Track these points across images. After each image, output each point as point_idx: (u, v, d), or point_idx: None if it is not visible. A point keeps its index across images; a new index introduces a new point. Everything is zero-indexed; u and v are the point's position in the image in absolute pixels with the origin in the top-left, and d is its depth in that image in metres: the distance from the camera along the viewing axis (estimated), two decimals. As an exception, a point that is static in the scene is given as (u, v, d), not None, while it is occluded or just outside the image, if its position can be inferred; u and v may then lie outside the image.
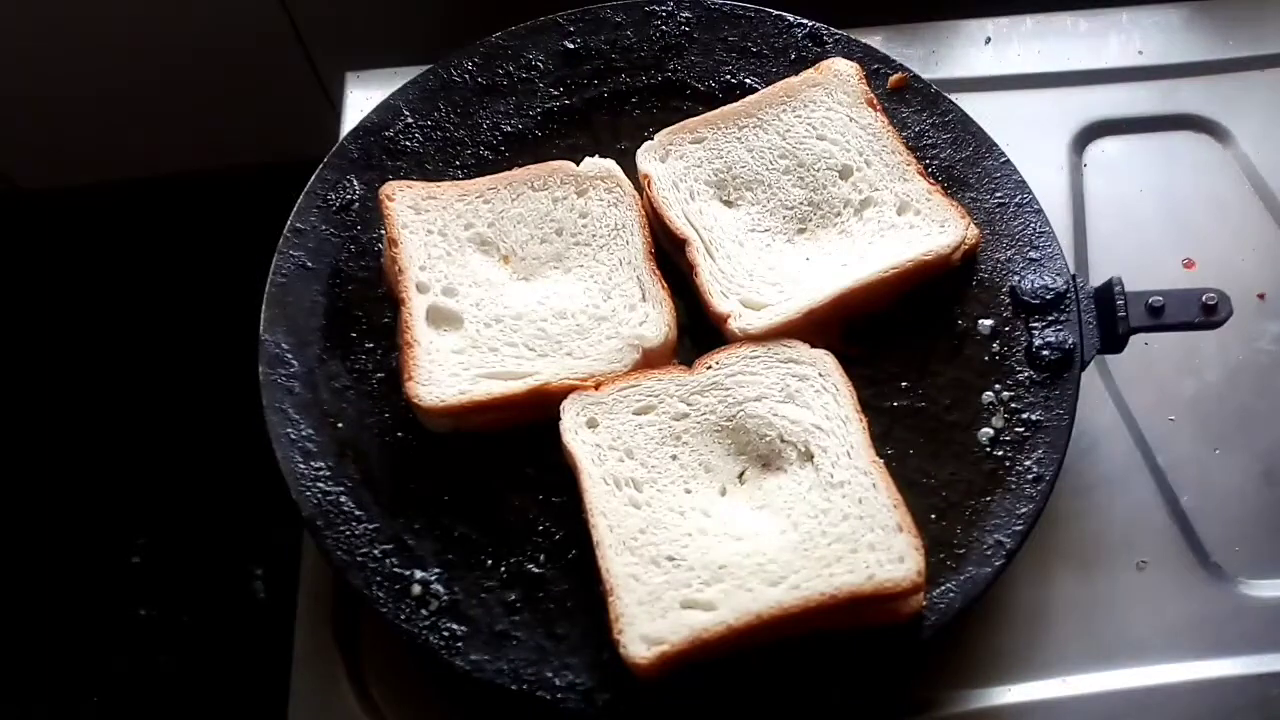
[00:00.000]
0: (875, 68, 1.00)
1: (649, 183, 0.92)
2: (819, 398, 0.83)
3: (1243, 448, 0.97)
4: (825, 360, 0.84)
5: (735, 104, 0.96)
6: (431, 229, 0.89)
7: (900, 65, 1.01)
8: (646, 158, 0.93)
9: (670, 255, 0.92)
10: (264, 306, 0.89)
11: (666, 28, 1.03)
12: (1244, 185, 1.09)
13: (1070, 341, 0.87)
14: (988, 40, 1.17)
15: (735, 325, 0.86)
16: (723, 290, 0.88)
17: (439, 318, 0.86)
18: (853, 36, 1.02)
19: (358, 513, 0.82)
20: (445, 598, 0.79)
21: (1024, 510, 0.81)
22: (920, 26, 1.17)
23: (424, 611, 0.78)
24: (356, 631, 0.89)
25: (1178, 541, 0.93)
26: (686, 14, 1.03)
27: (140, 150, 1.64)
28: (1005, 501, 0.82)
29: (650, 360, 0.86)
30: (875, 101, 0.96)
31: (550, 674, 0.76)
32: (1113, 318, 0.86)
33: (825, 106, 0.95)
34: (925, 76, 1.00)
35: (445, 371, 0.83)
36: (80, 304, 1.79)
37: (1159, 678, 0.87)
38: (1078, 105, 1.12)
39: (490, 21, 1.04)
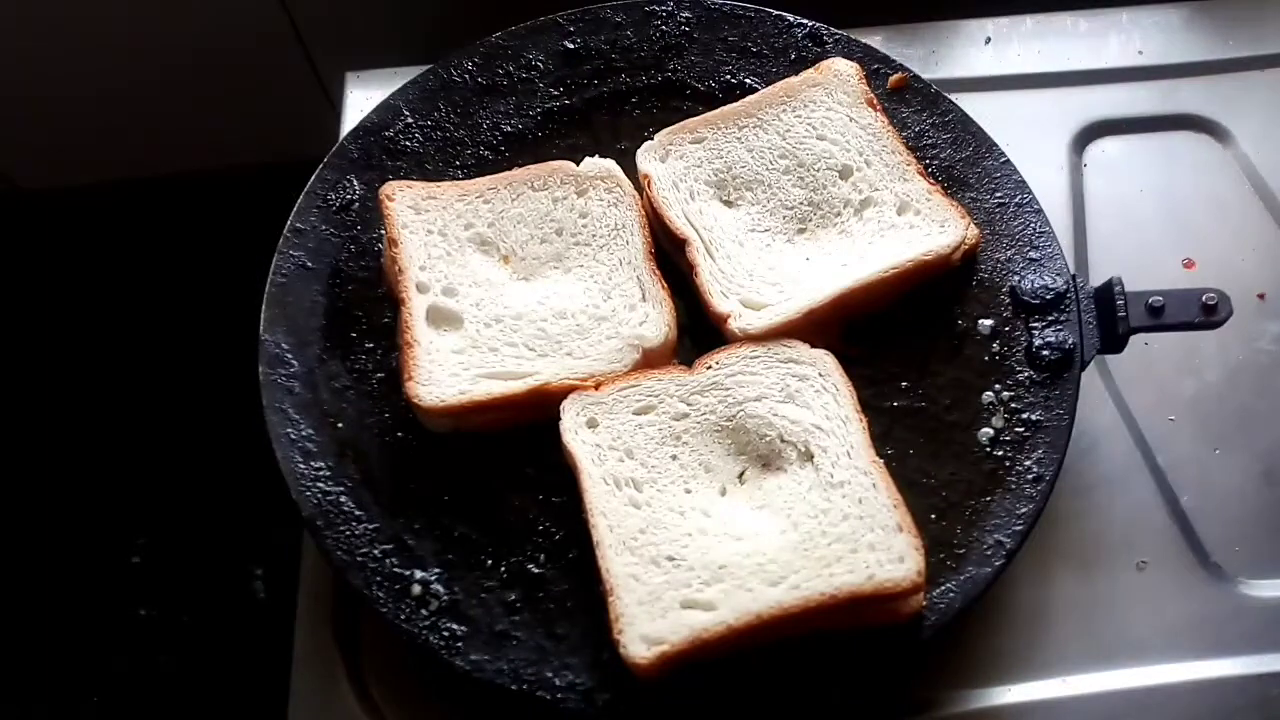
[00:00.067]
0: (875, 68, 1.00)
1: (649, 183, 0.92)
2: (819, 398, 0.83)
3: (1243, 448, 0.97)
4: (825, 360, 0.84)
5: (735, 104, 0.96)
6: (431, 229, 0.89)
7: (900, 65, 1.01)
8: (646, 158, 0.93)
9: (670, 255, 0.92)
10: (264, 306, 0.89)
11: (666, 28, 1.03)
12: (1244, 185, 1.09)
13: (1070, 341, 0.87)
14: (988, 40, 1.17)
15: (735, 325, 0.86)
16: (723, 290, 0.88)
17: (439, 318, 0.86)
18: (853, 36, 1.02)
19: (358, 513, 0.82)
20: (445, 598, 0.79)
21: (1024, 510, 0.81)
22: (920, 26, 1.17)
23: (424, 611, 0.78)
24: (356, 631, 0.89)
25: (1178, 541, 0.93)
26: (686, 14, 1.03)
27: (140, 150, 1.64)
28: (1005, 501, 0.82)
29: (650, 360, 0.86)
30: (875, 101, 0.96)
31: (550, 674, 0.76)
32: (1113, 318, 0.86)
33: (825, 106, 0.95)
34: (925, 76, 1.00)
35: (445, 371, 0.83)
36: (80, 304, 1.79)
37: (1159, 678, 0.87)
38: (1078, 105, 1.12)
39: (490, 21, 1.04)
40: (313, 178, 0.95)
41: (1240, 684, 0.87)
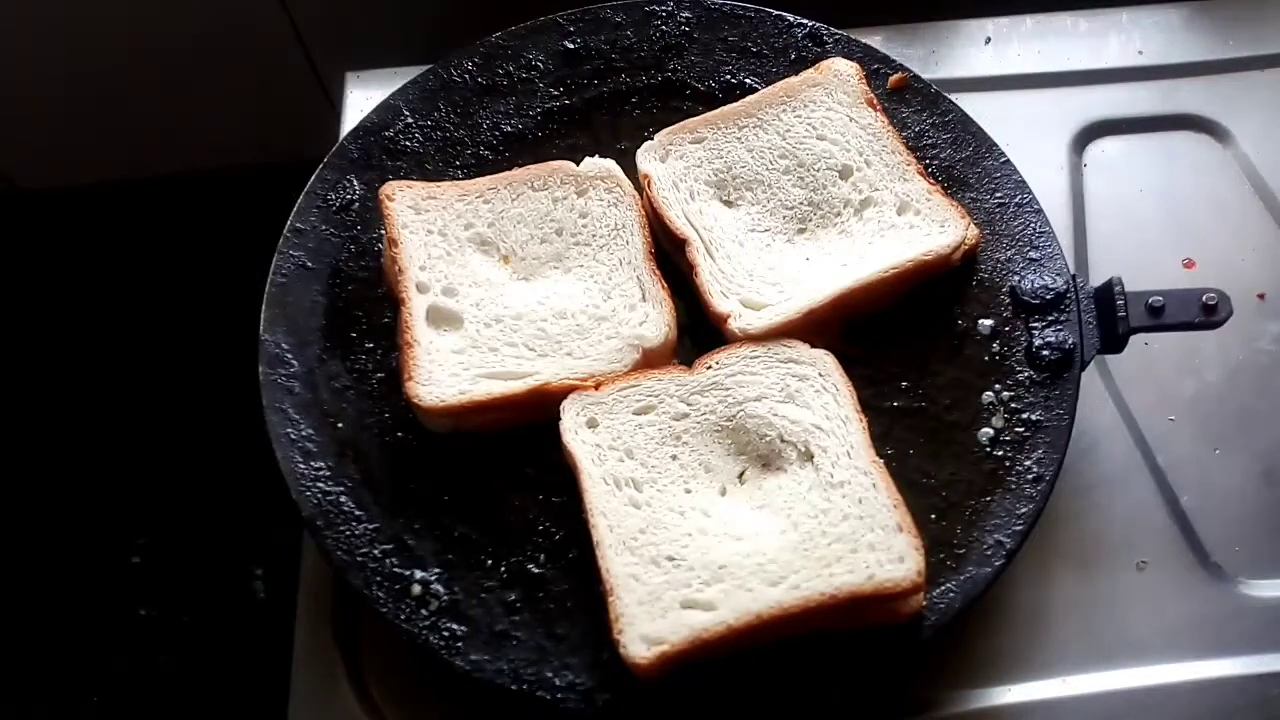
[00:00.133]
0: (875, 68, 1.00)
1: (649, 183, 0.92)
2: (819, 398, 0.83)
3: (1243, 448, 0.97)
4: (825, 360, 0.84)
5: (735, 104, 0.96)
6: (431, 229, 0.89)
7: (900, 65, 1.01)
8: (646, 158, 0.93)
9: (670, 255, 0.92)
10: (264, 306, 0.89)
11: (666, 28, 1.03)
12: (1244, 185, 1.09)
13: (1070, 341, 0.87)
14: (988, 40, 1.17)
15: (735, 325, 0.86)
16: (723, 290, 0.88)
17: (439, 318, 0.86)
18: (853, 36, 1.02)
19: (358, 513, 0.82)
20: (445, 598, 0.79)
21: (1024, 510, 0.81)
22: (920, 26, 1.17)
23: (424, 611, 0.78)
24: (356, 631, 0.89)
25: (1178, 541, 0.93)
26: (686, 14, 1.03)
27: (140, 150, 1.64)
28: (1005, 501, 0.82)
29: (650, 360, 0.86)
30: (875, 101, 0.96)
31: (550, 674, 0.76)
32: (1113, 318, 0.86)
33: (825, 106, 0.95)
34: (925, 76, 1.00)
35: (445, 371, 0.83)
36: (80, 304, 1.79)
37: (1159, 678, 0.87)
38: (1078, 105, 1.12)
39: (490, 21, 1.04)
40: (313, 178, 0.95)
41: (1240, 684, 0.87)
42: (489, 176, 0.93)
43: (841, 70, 0.97)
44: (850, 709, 0.78)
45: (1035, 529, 0.81)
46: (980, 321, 0.89)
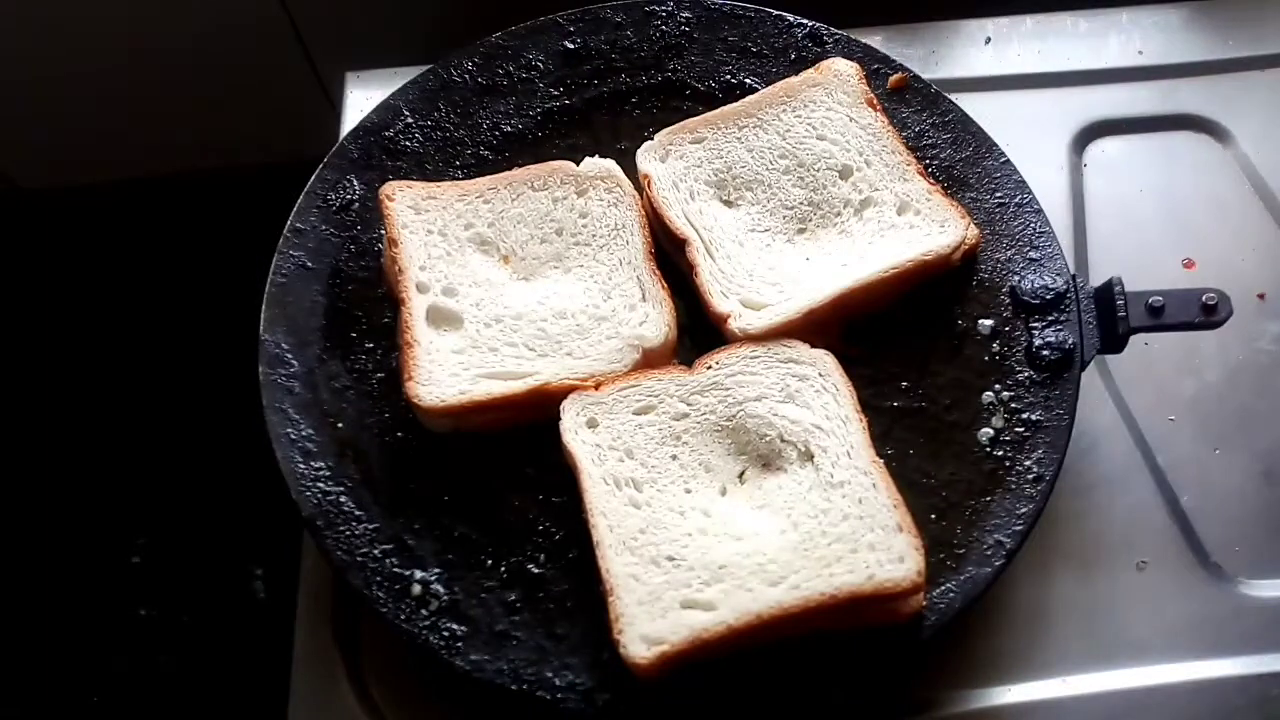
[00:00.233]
0: (875, 68, 1.00)
1: (649, 183, 0.92)
2: (819, 398, 0.83)
3: (1243, 448, 0.97)
4: (825, 360, 0.84)
5: (735, 104, 0.96)
6: (431, 229, 0.89)
7: (900, 65, 1.01)
8: (646, 158, 0.93)
9: (670, 255, 0.92)
10: (264, 306, 0.89)
11: (666, 28, 1.03)
12: (1244, 185, 1.09)
13: (1070, 341, 0.87)
14: (988, 40, 1.17)
15: (735, 325, 0.86)
16: (723, 290, 0.88)
17: (439, 318, 0.86)
18: (853, 36, 1.02)
19: (358, 513, 0.82)
20: (445, 598, 0.79)
21: (1024, 510, 0.81)
22: (920, 26, 1.17)
23: (424, 611, 0.78)
24: (356, 631, 0.89)
25: (1178, 541, 0.93)
26: (686, 14, 1.03)
27: (140, 150, 1.64)
28: (1005, 501, 0.82)
29: (650, 360, 0.86)
30: (875, 101, 0.96)
31: (550, 674, 0.76)
32: (1113, 318, 0.86)
33: (825, 106, 0.95)
34: (925, 76, 1.00)
35: (445, 371, 0.83)
36: (80, 304, 1.79)
37: (1159, 678, 0.87)
38: (1078, 105, 1.12)
39: (490, 21, 1.04)
40: (313, 178, 0.95)
41: (1240, 684, 0.87)
42: (489, 176, 0.93)
43: (841, 70, 0.97)
44: (850, 709, 0.78)
45: (1035, 529, 0.81)
46: (980, 321, 0.89)
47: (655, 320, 0.86)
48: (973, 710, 0.86)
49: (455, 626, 0.78)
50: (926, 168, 0.94)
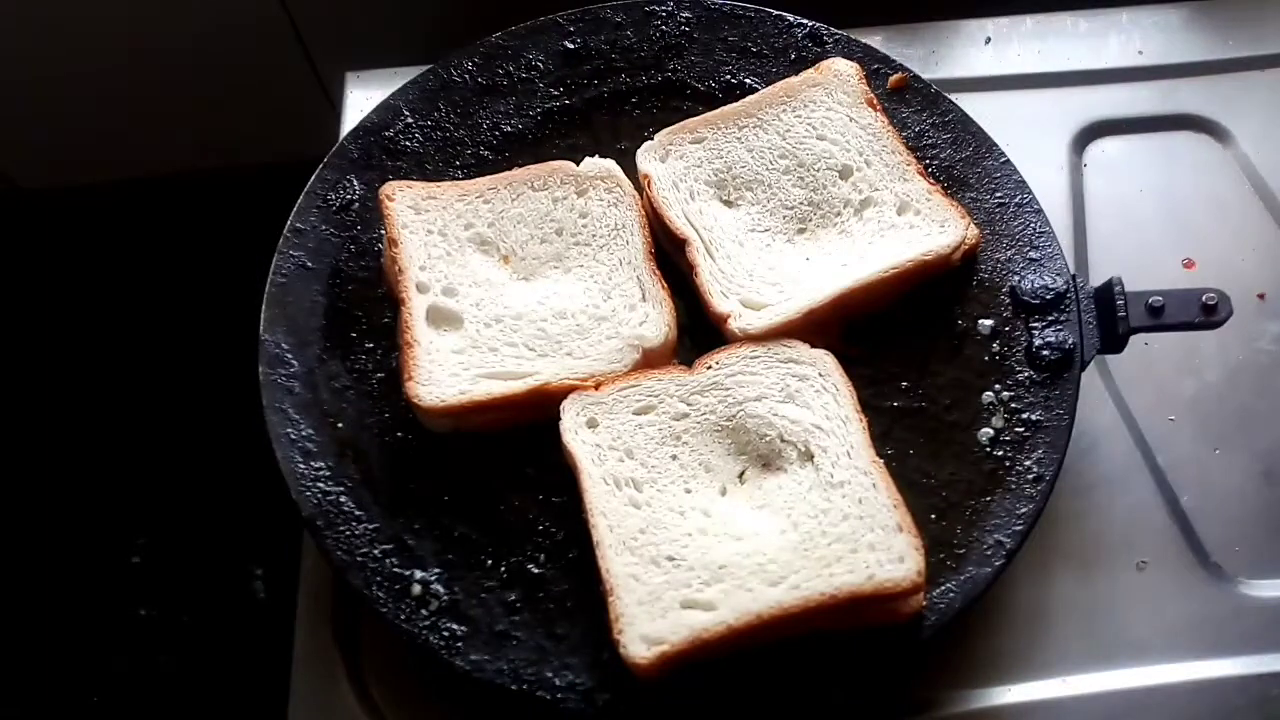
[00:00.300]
0: (875, 68, 1.00)
1: (649, 183, 0.92)
2: (819, 398, 0.83)
3: (1243, 448, 0.97)
4: (825, 360, 0.84)
5: (735, 104, 0.96)
6: (431, 229, 0.89)
7: (900, 65, 1.01)
8: (646, 158, 0.93)
9: (670, 255, 0.92)
10: (264, 306, 0.89)
11: (666, 28, 1.03)
12: (1244, 185, 1.09)
13: (1070, 341, 0.87)
14: (988, 40, 1.17)
15: (735, 325, 0.86)
16: (723, 290, 0.88)
17: (439, 318, 0.86)
18: (853, 36, 1.02)
19: (358, 513, 0.82)
20: (445, 598, 0.79)
21: (1024, 510, 0.81)
22: (920, 26, 1.17)
23: (424, 611, 0.78)
24: (356, 631, 0.89)
25: (1178, 541, 0.93)
26: (686, 14, 1.03)
27: (140, 150, 1.64)
28: (1005, 501, 0.82)
29: (650, 360, 0.86)
30: (875, 101, 0.96)
31: (550, 674, 0.76)
32: (1113, 318, 0.86)
33: (825, 106, 0.95)
34: (925, 76, 1.00)
35: (445, 371, 0.83)
36: (80, 304, 1.79)
37: (1159, 678, 0.87)
38: (1078, 105, 1.12)
39: (490, 21, 1.04)
40: (313, 178, 0.95)
41: (1240, 684, 0.87)
42: (489, 176, 0.93)
43: (841, 70, 0.97)
44: (850, 709, 0.78)
45: (1035, 529, 0.81)
46: (980, 321, 0.89)
47: (655, 320, 0.86)
48: (973, 710, 0.86)
49: (455, 626, 0.78)
50: (926, 168, 0.94)
